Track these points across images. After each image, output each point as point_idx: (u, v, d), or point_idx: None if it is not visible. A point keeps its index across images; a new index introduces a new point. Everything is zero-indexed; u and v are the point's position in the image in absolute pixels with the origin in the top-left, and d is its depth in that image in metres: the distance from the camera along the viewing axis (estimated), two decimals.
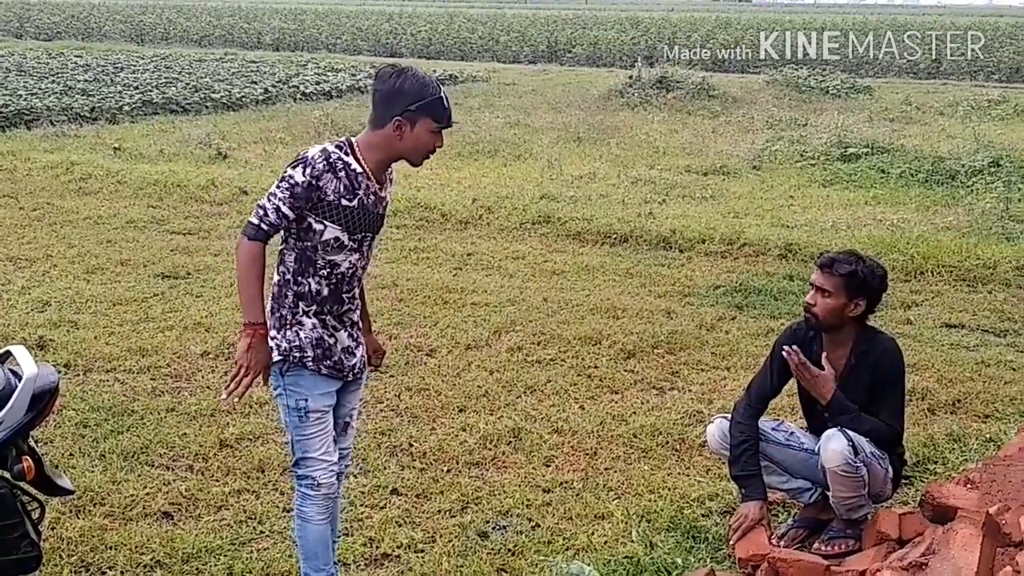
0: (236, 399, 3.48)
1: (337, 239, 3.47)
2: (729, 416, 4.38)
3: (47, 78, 21.64)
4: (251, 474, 4.90)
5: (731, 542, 4.14)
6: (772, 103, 19.91)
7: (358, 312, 3.72)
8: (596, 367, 6.38)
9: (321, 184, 3.40)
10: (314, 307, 3.53)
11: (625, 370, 6.36)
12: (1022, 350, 6.85)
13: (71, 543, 4.24)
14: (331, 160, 3.43)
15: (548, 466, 5.07)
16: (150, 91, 19.97)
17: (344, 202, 3.44)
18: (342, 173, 3.43)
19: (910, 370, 6.09)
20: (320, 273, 3.51)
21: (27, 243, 9.21)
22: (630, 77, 22.06)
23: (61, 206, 10.74)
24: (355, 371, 3.69)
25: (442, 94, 3.45)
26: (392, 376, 6.10)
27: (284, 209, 3.40)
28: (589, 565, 4.02)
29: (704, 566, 4.05)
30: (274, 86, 21.81)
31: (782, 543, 4.25)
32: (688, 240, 9.47)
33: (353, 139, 3.52)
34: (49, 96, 18.47)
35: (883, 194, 11.73)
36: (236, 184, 11.59)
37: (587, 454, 5.20)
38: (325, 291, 3.53)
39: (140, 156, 13.89)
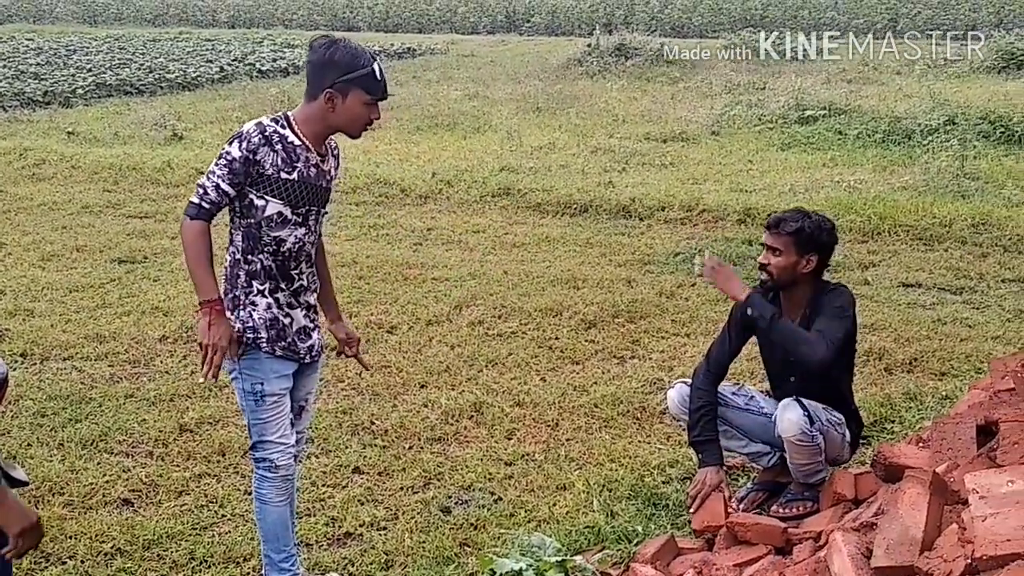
0: (213, 380, 3.45)
1: (280, 214, 3.44)
2: (689, 381, 4.40)
3: None
4: (212, 458, 4.88)
5: (690, 511, 4.18)
6: (730, 67, 19.92)
7: (315, 294, 3.70)
8: (557, 338, 6.39)
9: (258, 158, 3.36)
10: (268, 285, 3.51)
11: (586, 340, 6.37)
12: (977, 307, 6.94)
13: None
14: (266, 133, 3.39)
15: (510, 439, 5.09)
16: (104, 73, 19.72)
17: (283, 175, 3.41)
18: (279, 146, 3.40)
19: (867, 330, 6.17)
20: (266, 250, 3.48)
21: None
22: (588, 45, 22.02)
23: (15, 193, 10.61)
24: (312, 353, 3.67)
25: (374, 67, 3.40)
26: None
27: (224, 186, 3.37)
28: (550, 536, 4.03)
29: (665, 533, 4.09)
30: (230, 64, 21.61)
31: (741, 507, 4.29)
32: (648, 208, 9.49)
33: (290, 113, 3.50)
34: (0, 81, 18.18)
35: (840, 155, 11.81)
36: (192, 165, 11.46)
37: (548, 426, 5.22)
38: (274, 268, 3.51)
39: (94, 140, 13.75)
